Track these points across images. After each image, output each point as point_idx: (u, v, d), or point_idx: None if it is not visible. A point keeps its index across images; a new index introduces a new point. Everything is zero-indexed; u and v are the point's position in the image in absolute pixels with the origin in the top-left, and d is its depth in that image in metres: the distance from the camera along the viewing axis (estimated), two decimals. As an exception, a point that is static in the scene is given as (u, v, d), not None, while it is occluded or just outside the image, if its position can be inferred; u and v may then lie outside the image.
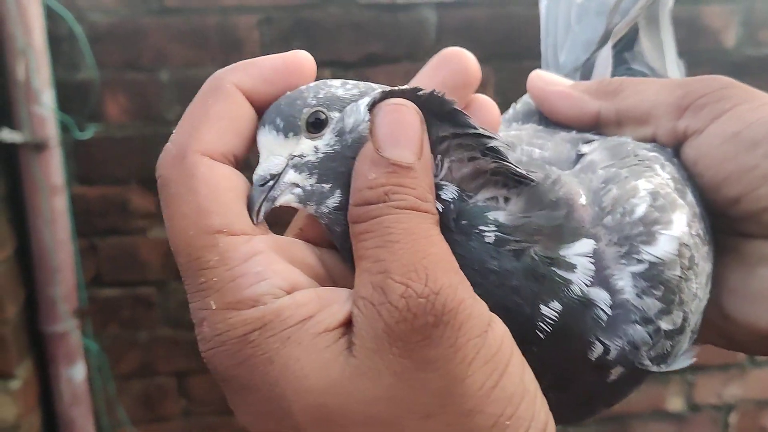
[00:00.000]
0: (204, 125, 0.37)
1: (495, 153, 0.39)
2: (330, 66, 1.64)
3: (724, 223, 0.44)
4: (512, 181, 0.39)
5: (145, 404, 1.78)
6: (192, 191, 0.36)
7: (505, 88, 1.67)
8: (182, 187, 0.36)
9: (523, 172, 0.39)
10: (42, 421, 1.69)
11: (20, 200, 1.59)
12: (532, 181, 0.39)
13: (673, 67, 0.56)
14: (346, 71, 1.62)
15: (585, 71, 0.55)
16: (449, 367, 0.33)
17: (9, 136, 1.51)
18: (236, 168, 0.39)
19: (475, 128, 0.39)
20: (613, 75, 0.54)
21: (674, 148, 0.46)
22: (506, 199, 0.39)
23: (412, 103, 0.38)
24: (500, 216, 0.38)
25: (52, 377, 1.67)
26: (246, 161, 0.40)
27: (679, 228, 0.41)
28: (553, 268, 0.38)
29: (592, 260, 0.38)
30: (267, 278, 0.35)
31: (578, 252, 0.38)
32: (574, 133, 0.48)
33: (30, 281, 1.63)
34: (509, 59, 1.68)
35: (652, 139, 0.46)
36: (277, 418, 0.35)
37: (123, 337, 1.74)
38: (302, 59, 0.40)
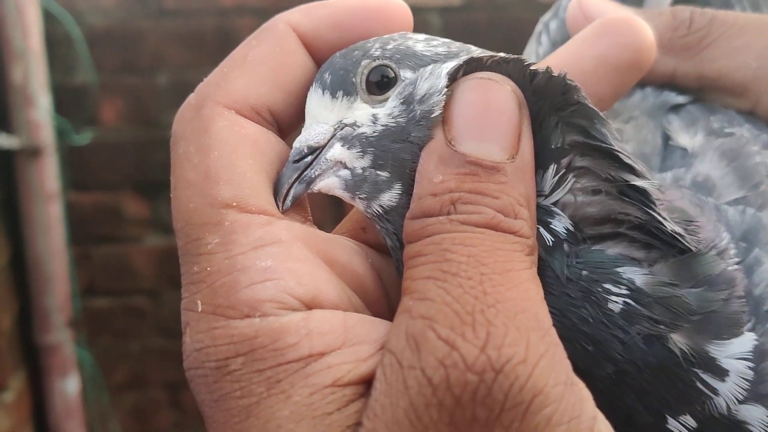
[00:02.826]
0: (236, 70, 0.29)
1: (641, 196, 0.28)
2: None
3: None
4: (659, 240, 0.28)
5: (139, 416, 1.77)
6: (203, 151, 0.28)
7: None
8: (192, 145, 0.28)
9: (681, 233, 0.28)
10: None
11: (15, 207, 1.58)
12: (692, 249, 0.28)
13: None
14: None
15: None
16: None
17: (5, 141, 1.50)
18: (277, 131, 0.30)
19: (613, 147, 0.28)
20: None
21: None
22: (641, 263, 0.28)
23: (510, 81, 0.28)
24: (637, 278, 0.27)
25: (45, 389, 1.66)
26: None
27: None
28: (696, 370, 0.27)
29: (752, 365, 0.28)
30: (276, 278, 0.26)
31: (735, 353, 0.28)
32: (648, 90, 0.37)
33: (24, 291, 1.62)
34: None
35: (747, 113, 0.36)
36: None
37: (115, 347, 1.74)
38: (391, 4, 0.31)
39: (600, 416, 0.24)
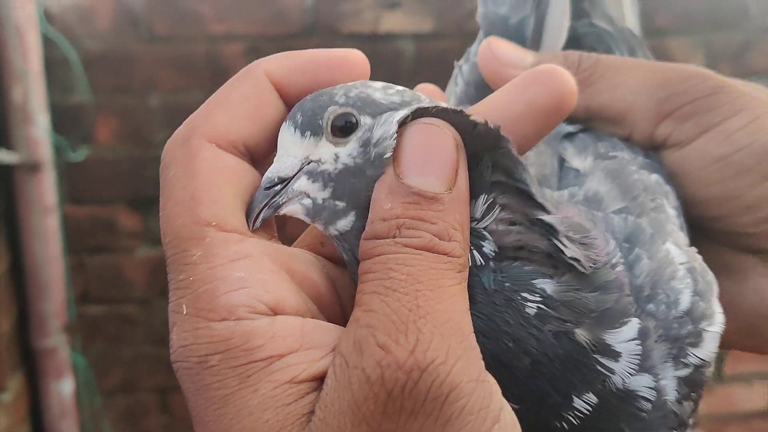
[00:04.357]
0: (219, 108, 0.33)
1: (548, 230, 0.33)
2: (313, 93, 1.71)
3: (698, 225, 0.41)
4: (562, 264, 0.33)
5: (129, 419, 1.78)
6: (189, 176, 0.31)
7: (480, 114, 1.74)
8: (180, 171, 0.31)
9: (581, 260, 0.33)
10: None
11: (14, 219, 1.60)
12: (587, 268, 0.33)
13: (631, 14, 0.49)
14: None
15: (538, 18, 0.46)
16: None
17: (5, 157, 1.53)
18: (250, 161, 0.34)
19: (528, 187, 0.33)
20: (573, 30, 0.46)
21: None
22: (551, 276, 0.33)
23: (450, 126, 0.32)
24: (548, 286, 0.32)
25: (41, 391, 1.68)
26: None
27: (720, 318, 0.36)
28: (596, 356, 0.33)
29: (638, 342, 0.33)
30: (248, 287, 0.29)
31: (625, 338, 0.33)
32: None
33: (22, 297, 1.64)
34: (483, 87, 1.74)
35: (625, 139, 0.41)
36: None
37: (108, 353, 1.75)
38: (352, 55, 0.35)
39: (506, 406, 0.29)
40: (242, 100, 0.33)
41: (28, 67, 1.53)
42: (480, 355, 0.28)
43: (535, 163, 0.40)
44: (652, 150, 0.40)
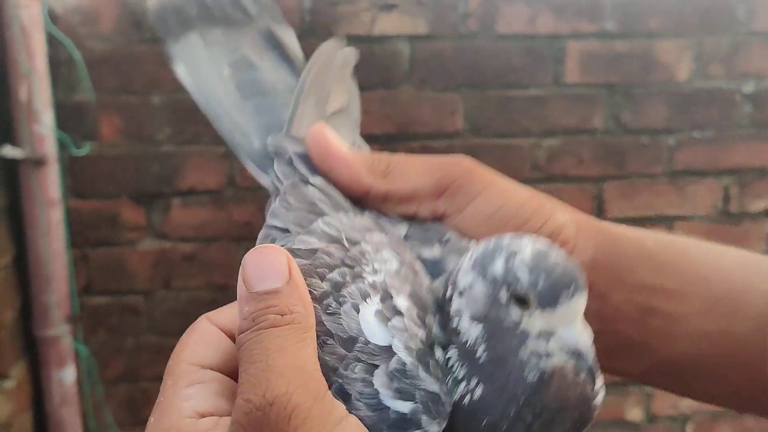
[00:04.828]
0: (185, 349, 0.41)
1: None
2: (311, 92, 1.75)
3: None
4: None
5: (130, 408, 1.82)
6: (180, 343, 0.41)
7: (472, 114, 1.78)
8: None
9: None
10: (33, 421, 1.72)
11: (19, 212, 1.64)
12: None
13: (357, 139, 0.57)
14: (324, 97, 1.72)
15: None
16: None
17: (11, 152, 1.56)
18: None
19: None
20: None
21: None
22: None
23: (279, 247, 0.39)
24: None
25: (43, 379, 1.71)
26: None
27: None
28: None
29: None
30: (194, 399, 0.37)
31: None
32: (394, 225, 0.49)
33: (25, 288, 1.67)
34: (475, 88, 1.77)
35: (414, 215, 0.49)
36: None
37: (111, 343, 1.78)
38: None
39: (352, 418, 0.36)
40: (205, 339, 0.41)
41: (34, 67, 1.56)
42: (323, 382, 0.36)
43: (411, 282, 0.43)
44: (438, 220, 0.50)
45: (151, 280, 1.78)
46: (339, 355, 0.38)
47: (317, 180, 0.49)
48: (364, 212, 0.49)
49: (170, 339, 1.87)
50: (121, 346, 1.80)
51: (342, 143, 0.50)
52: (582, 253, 0.49)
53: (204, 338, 0.40)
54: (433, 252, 0.46)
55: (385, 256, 0.43)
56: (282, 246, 0.41)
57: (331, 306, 0.40)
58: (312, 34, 1.70)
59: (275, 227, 0.47)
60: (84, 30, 1.66)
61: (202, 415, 0.36)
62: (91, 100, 1.67)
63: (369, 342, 0.38)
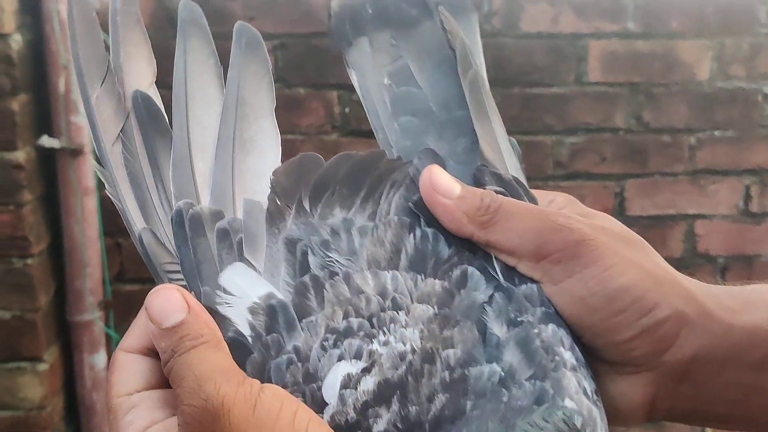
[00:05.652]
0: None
1: None
2: (338, 89, 1.79)
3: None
4: None
5: None
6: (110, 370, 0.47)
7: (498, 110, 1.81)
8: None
9: None
10: (65, 404, 1.77)
11: (55, 200, 1.68)
12: None
13: (510, 158, 0.55)
14: (351, 92, 1.76)
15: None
16: None
17: (48, 142, 1.61)
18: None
19: None
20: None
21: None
22: None
23: (175, 286, 0.43)
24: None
25: (76, 363, 1.75)
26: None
27: None
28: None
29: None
30: (134, 421, 0.41)
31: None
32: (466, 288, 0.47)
33: (60, 274, 1.72)
34: (500, 85, 1.81)
35: (514, 267, 0.48)
36: None
37: None
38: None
39: (268, 386, 0.40)
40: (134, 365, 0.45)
41: (71, 59, 1.59)
42: (240, 371, 0.40)
43: (459, 341, 0.44)
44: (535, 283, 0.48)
45: (180, 269, 1.81)
46: (295, 380, 0.42)
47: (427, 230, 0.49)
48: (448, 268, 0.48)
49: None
50: (150, 333, 1.84)
51: (450, 187, 0.49)
52: (679, 351, 0.47)
53: (124, 369, 0.44)
54: (502, 330, 0.45)
55: (406, 335, 0.44)
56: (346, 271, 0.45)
57: (327, 341, 0.43)
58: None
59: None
60: (120, 24, 1.70)
61: (146, 428, 0.41)
62: (126, 91, 1.71)
63: (320, 389, 0.42)
